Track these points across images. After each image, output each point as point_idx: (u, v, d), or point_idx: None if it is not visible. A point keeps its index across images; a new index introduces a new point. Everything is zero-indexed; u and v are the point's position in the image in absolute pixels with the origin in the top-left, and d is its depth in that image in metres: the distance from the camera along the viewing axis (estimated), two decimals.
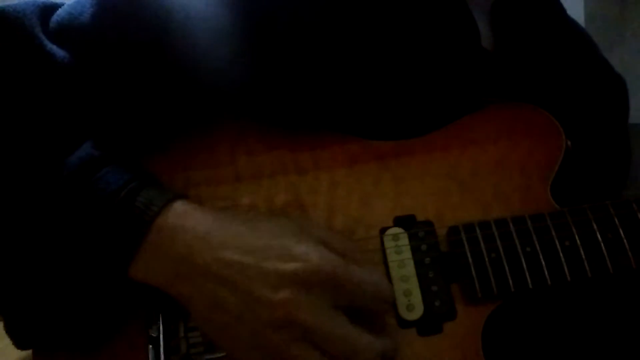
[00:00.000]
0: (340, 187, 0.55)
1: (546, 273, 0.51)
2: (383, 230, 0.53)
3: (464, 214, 0.54)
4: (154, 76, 0.52)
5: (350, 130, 0.56)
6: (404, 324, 0.51)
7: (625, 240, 0.53)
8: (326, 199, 0.54)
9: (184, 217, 0.47)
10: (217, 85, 0.53)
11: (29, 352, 0.53)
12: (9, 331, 0.51)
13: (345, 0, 0.56)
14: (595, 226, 0.53)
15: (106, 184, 0.47)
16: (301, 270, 0.44)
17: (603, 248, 0.52)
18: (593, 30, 1.91)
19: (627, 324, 0.61)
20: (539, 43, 0.64)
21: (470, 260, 0.52)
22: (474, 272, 0.51)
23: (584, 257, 0.52)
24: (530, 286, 0.51)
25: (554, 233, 0.52)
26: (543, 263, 0.52)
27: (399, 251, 0.52)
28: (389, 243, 0.53)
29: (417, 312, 0.51)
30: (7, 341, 0.52)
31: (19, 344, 0.52)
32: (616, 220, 0.53)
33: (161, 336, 0.50)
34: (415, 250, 0.52)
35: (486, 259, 0.52)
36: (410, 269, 0.52)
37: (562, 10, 0.68)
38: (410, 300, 0.51)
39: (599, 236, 0.52)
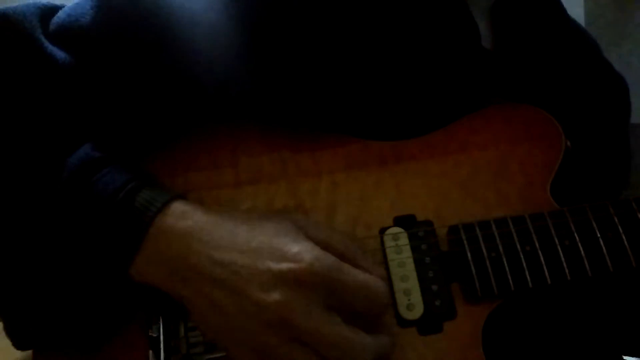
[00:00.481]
0: (341, 187, 0.55)
1: (546, 272, 0.52)
2: (383, 230, 0.54)
3: (463, 213, 0.55)
4: (154, 78, 0.53)
5: (350, 131, 0.56)
6: (404, 323, 0.51)
7: (625, 239, 0.53)
8: (326, 199, 0.55)
9: (183, 217, 0.48)
10: (217, 87, 0.54)
11: (29, 352, 0.53)
12: (9, 332, 0.52)
13: (345, 2, 0.56)
14: (595, 225, 0.53)
15: (106, 184, 0.48)
16: (293, 271, 0.44)
17: (603, 247, 0.53)
18: (593, 30, 1.91)
19: (627, 323, 0.61)
20: (540, 43, 0.65)
21: (470, 259, 0.52)
22: (474, 272, 0.52)
23: (584, 256, 0.53)
24: (530, 285, 0.52)
25: (553, 232, 0.53)
26: (543, 262, 0.52)
27: (399, 251, 0.53)
28: (388, 242, 0.53)
29: (418, 311, 0.51)
30: (7, 341, 0.52)
31: (18, 344, 0.52)
32: (616, 219, 0.54)
33: (161, 336, 0.50)
34: (415, 249, 0.53)
35: (486, 258, 0.52)
36: (410, 268, 0.52)
37: (562, 10, 0.69)
38: (411, 300, 0.52)
39: (598, 235, 0.53)
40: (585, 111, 0.65)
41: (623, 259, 0.53)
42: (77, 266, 0.49)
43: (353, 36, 0.56)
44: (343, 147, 0.56)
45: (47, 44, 0.52)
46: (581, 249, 0.53)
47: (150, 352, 0.50)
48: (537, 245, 0.53)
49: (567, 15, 0.71)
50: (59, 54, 0.52)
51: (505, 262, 0.52)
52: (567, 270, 0.52)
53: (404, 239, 0.53)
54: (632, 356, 0.59)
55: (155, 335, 0.51)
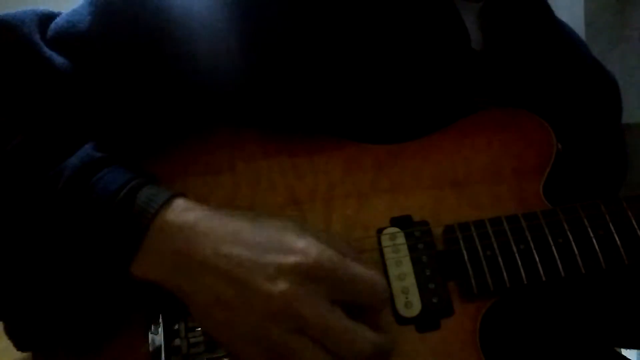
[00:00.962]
0: (337, 189, 0.57)
1: (540, 269, 0.54)
2: (380, 231, 0.56)
3: (458, 214, 0.57)
4: (152, 80, 0.54)
5: (346, 134, 0.58)
6: (402, 320, 0.53)
7: (616, 237, 0.55)
8: (324, 201, 0.57)
9: (185, 213, 0.49)
10: (215, 89, 0.55)
11: (29, 353, 0.55)
12: (9, 333, 0.53)
13: (337, 7, 0.58)
14: (587, 223, 0.55)
15: (107, 183, 0.49)
16: (300, 264, 0.46)
17: (595, 244, 0.55)
18: (593, 30, 1.93)
19: (620, 318, 0.63)
20: (529, 44, 0.67)
21: (466, 257, 0.54)
22: (470, 269, 0.54)
23: (576, 253, 0.54)
24: (525, 282, 0.54)
25: (546, 230, 0.55)
26: (537, 259, 0.54)
27: (396, 250, 0.55)
28: (386, 242, 0.55)
29: (415, 309, 0.53)
30: (7, 341, 0.54)
31: (19, 345, 0.53)
32: (607, 217, 0.56)
33: (162, 336, 0.52)
34: (412, 248, 0.55)
35: (482, 256, 0.54)
36: (407, 267, 0.54)
37: (550, 12, 0.71)
38: (408, 298, 0.53)
39: (590, 233, 0.55)
40: (576, 111, 0.67)
41: (615, 256, 0.54)
42: (79, 265, 0.50)
43: (346, 40, 0.58)
44: (340, 151, 0.58)
45: (45, 48, 0.53)
46: (574, 246, 0.54)
47: (151, 352, 0.51)
48: (531, 243, 0.55)
49: (555, 16, 0.73)
50: (58, 58, 0.53)
51: (500, 260, 0.54)
52: (560, 267, 0.54)
53: (400, 239, 0.55)
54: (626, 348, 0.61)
55: (155, 335, 0.52)
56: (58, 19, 0.56)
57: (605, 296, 0.62)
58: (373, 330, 0.47)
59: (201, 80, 0.55)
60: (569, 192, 0.59)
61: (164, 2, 0.55)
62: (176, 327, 0.52)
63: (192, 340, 0.51)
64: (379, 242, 0.55)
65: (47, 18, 0.57)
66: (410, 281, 0.54)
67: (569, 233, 0.55)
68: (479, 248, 0.54)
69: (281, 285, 0.45)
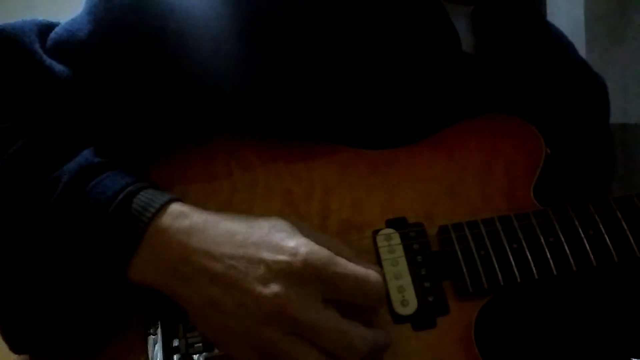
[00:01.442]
0: (334, 193, 0.59)
1: (533, 267, 0.56)
2: (376, 232, 0.58)
3: (452, 215, 0.59)
4: (152, 87, 0.56)
5: (340, 139, 0.60)
6: (398, 319, 0.55)
7: (606, 236, 0.57)
8: (320, 204, 0.59)
9: (181, 218, 0.50)
10: (214, 95, 0.57)
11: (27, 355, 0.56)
12: (5, 336, 0.54)
13: (330, 14, 0.60)
14: (577, 223, 0.57)
15: (104, 187, 0.50)
16: (290, 264, 0.46)
17: (586, 243, 0.57)
18: (593, 30, 1.94)
19: (611, 314, 0.64)
20: (520, 47, 0.69)
21: (460, 257, 0.56)
22: (464, 269, 0.56)
23: (568, 252, 0.56)
24: (519, 280, 0.55)
25: (538, 230, 0.57)
26: (530, 258, 0.56)
27: (392, 250, 0.57)
28: (381, 242, 0.57)
29: (411, 307, 0.55)
30: (3, 343, 0.55)
31: (14, 348, 0.54)
32: (596, 217, 0.58)
33: (160, 337, 0.53)
34: (407, 248, 0.57)
35: (476, 256, 0.56)
36: (403, 266, 0.56)
37: (540, 13, 0.73)
38: (404, 296, 0.55)
39: (581, 232, 0.57)
40: (565, 113, 0.69)
41: (605, 254, 0.56)
42: (77, 269, 0.51)
43: (340, 46, 0.60)
44: (335, 156, 0.60)
45: (45, 57, 0.55)
46: (565, 245, 0.56)
47: (149, 353, 0.52)
48: (523, 242, 0.57)
49: (544, 18, 0.75)
50: (58, 67, 0.54)
51: (494, 259, 0.56)
52: (552, 265, 0.56)
53: (396, 239, 0.57)
54: (618, 346, 0.62)
55: (154, 336, 0.53)
56: (57, 28, 0.58)
57: (598, 293, 0.64)
58: (368, 328, 0.48)
59: (200, 86, 0.56)
60: (559, 193, 0.61)
61: (163, 9, 0.56)
62: (174, 327, 0.53)
63: (190, 340, 0.52)
64: (375, 243, 0.57)
65: (46, 28, 0.58)
66: (406, 280, 0.56)
67: (559, 232, 0.57)
68: (473, 248, 0.56)
69: (273, 288, 0.46)
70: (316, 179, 0.59)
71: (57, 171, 0.51)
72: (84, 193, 0.50)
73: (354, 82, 0.60)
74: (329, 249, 0.49)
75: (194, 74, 0.56)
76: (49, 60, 0.55)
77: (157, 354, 0.52)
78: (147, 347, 0.53)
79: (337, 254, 0.49)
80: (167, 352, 0.52)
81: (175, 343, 0.53)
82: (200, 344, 0.52)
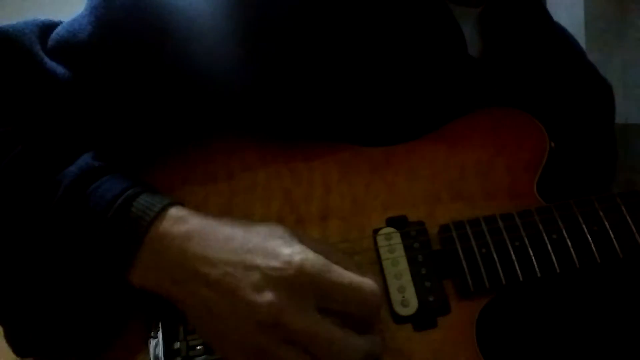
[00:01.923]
0: (334, 192, 0.58)
1: (535, 265, 0.55)
2: (376, 231, 0.57)
3: (454, 213, 0.58)
4: (153, 88, 0.55)
5: (342, 138, 0.59)
6: (399, 319, 0.54)
7: (610, 232, 0.56)
8: (320, 204, 0.58)
9: (180, 222, 0.50)
10: (215, 96, 0.56)
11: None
12: (9, 340, 0.54)
13: (335, 13, 0.60)
14: (581, 219, 0.57)
15: (104, 192, 0.50)
16: (284, 271, 0.46)
17: (590, 240, 0.56)
18: (593, 30, 1.94)
19: (615, 312, 0.63)
20: (526, 49, 0.69)
21: (461, 256, 0.55)
22: (465, 268, 0.55)
23: (571, 249, 0.56)
24: (521, 279, 0.55)
25: (541, 227, 0.56)
26: (532, 256, 0.55)
27: (392, 250, 0.56)
28: (381, 242, 0.56)
29: (412, 307, 0.54)
30: (4, 342, 0.55)
31: (18, 352, 0.54)
32: (601, 213, 0.57)
33: (161, 339, 0.53)
34: (407, 248, 0.56)
35: (477, 255, 0.55)
36: (403, 266, 0.55)
37: (548, 16, 0.72)
38: (405, 296, 0.54)
39: (585, 229, 0.56)
40: (571, 114, 0.69)
41: (610, 250, 0.56)
42: (77, 274, 0.51)
43: (345, 46, 0.59)
44: (335, 154, 0.59)
45: (46, 59, 0.55)
46: (569, 242, 0.56)
47: (151, 355, 0.52)
48: (525, 240, 0.56)
49: (553, 20, 0.74)
50: (58, 68, 0.54)
51: (495, 257, 0.55)
52: (556, 263, 0.55)
53: (396, 238, 0.56)
54: (621, 344, 0.62)
55: (155, 338, 0.53)
56: (59, 29, 0.57)
57: (602, 291, 0.63)
58: (363, 335, 0.48)
59: (201, 87, 0.56)
60: (562, 190, 0.60)
61: (164, 10, 0.55)
62: (175, 330, 0.53)
63: (191, 342, 0.52)
64: (375, 242, 0.56)
65: (47, 28, 0.58)
66: (407, 280, 0.55)
67: (563, 229, 0.56)
68: (475, 246, 0.55)
69: (267, 296, 0.46)
70: (316, 178, 0.59)
71: (57, 175, 0.51)
72: (84, 197, 0.50)
73: (357, 83, 0.59)
74: (325, 256, 0.49)
75: (194, 75, 0.56)
76: (49, 62, 0.54)
77: (158, 357, 0.52)
78: (148, 350, 0.52)
79: (334, 262, 0.49)
80: (168, 354, 0.52)
81: (177, 345, 0.52)
82: (202, 347, 0.52)
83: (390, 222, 0.57)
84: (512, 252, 0.55)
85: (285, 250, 0.48)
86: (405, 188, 0.59)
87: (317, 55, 0.58)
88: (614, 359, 0.62)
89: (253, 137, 0.59)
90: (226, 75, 0.56)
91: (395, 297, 0.54)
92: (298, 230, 0.52)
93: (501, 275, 0.54)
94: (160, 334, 0.53)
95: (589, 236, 0.56)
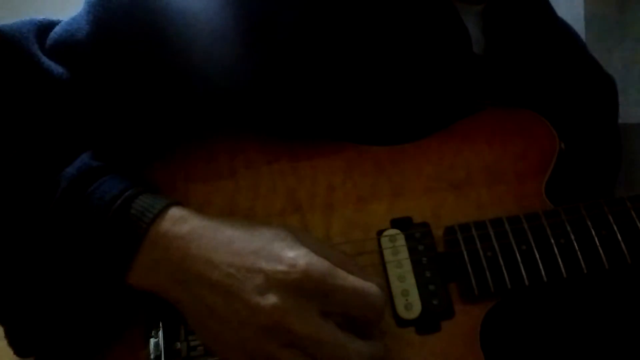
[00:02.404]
0: (338, 191, 0.57)
1: (542, 270, 0.54)
2: (380, 232, 0.56)
3: (459, 215, 0.57)
4: (152, 88, 0.55)
5: (346, 136, 0.58)
6: (402, 323, 0.53)
7: (619, 237, 0.55)
8: (324, 203, 0.57)
9: (180, 223, 0.49)
10: (216, 93, 0.56)
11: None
12: (10, 340, 0.53)
13: (338, 10, 0.59)
14: (589, 223, 0.55)
15: (103, 192, 0.49)
16: (288, 275, 0.46)
17: (598, 245, 0.55)
18: (593, 30, 1.93)
19: (622, 319, 0.63)
20: (530, 46, 0.68)
21: (466, 259, 0.54)
22: (470, 271, 0.54)
23: (579, 253, 0.55)
24: (527, 283, 0.53)
25: (548, 231, 0.55)
26: (539, 260, 0.54)
27: (396, 252, 0.55)
28: (386, 244, 0.55)
29: (415, 311, 0.53)
30: (5, 342, 0.54)
31: (19, 352, 0.53)
32: (610, 217, 0.56)
33: (161, 340, 0.52)
34: (412, 250, 0.55)
35: (482, 258, 0.54)
36: (407, 269, 0.54)
37: (552, 12, 0.71)
38: (408, 300, 0.53)
39: (593, 233, 0.55)
40: (575, 112, 0.68)
41: (618, 255, 0.55)
42: (77, 274, 0.50)
43: (348, 44, 0.58)
44: (340, 153, 0.58)
45: (44, 59, 0.54)
46: (576, 247, 0.55)
47: (151, 356, 0.51)
48: (532, 244, 0.55)
49: (557, 16, 0.73)
50: (56, 68, 0.53)
51: (501, 261, 0.54)
52: (562, 268, 0.54)
53: (400, 241, 0.55)
54: (628, 351, 0.61)
55: (155, 339, 0.52)
56: (57, 28, 0.57)
57: (609, 297, 0.62)
58: (366, 341, 0.47)
59: (200, 86, 0.55)
60: (567, 190, 0.59)
61: (162, 9, 0.55)
62: (176, 330, 0.52)
63: (192, 343, 0.52)
64: (379, 244, 0.55)
65: (45, 27, 0.57)
66: (411, 283, 0.54)
67: (571, 233, 0.55)
68: (480, 249, 0.54)
69: (271, 299, 0.45)
70: (320, 177, 0.58)
71: (56, 176, 0.50)
72: (83, 198, 0.49)
73: (361, 81, 0.58)
74: (329, 260, 0.48)
75: (193, 74, 0.55)
76: (47, 62, 0.54)
77: (159, 357, 0.51)
78: (148, 350, 0.52)
79: (339, 265, 0.48)
80: (169, 355, 0.51)
81: (177, 346, 0.52)
82: (202, 347, 0.51)
83: (395, 223, 0.56)
84: (518, 256, 0.54)
85: (289, 253, 0.47)
86: (410, 188, 0.57)
87: (320, 53, 0.57)
88: None
89: (256, 136, 0.58)
90: (225, 74, 0.55)
91: (399, 300, 0.53)
92: (301, 233, 0.51)
93: (507, 279, 0.53)
94: (161, 334, 0.52)
95: (597, 241, 0.54)
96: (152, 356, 0.51)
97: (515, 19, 0.67)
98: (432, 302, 0.53)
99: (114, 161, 0.53)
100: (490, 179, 0.58)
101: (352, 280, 0.47)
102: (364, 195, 0.57)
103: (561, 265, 0.54)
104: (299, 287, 0.45)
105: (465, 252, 0.54)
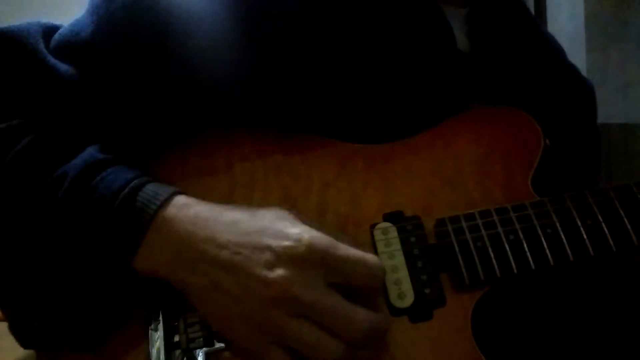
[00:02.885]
0: (331, 188, 0.59)
1: (530, 258, 0.55)
2: (373, 226, 0.58)
3: (450, 208, 0.59)
4: (155, 84, 0.57)
5: (337, 134, 0.60)
6: (395, 311, 0.55)
7: (604, 226, 0.56)
8: (318, 199, 0.59)
9: (186, 208, 0.52)
10: (216, 90, 0.58)
11: (27, 351, 0.57)
12: (14, 331, 0.55)
13: (328, 9, 0.61)
14: (574, 213, 0.57)
15: (109, 182, 0.52)
16: (295, 248, 0.48)
17: (583, 233, 0.56)
18: (593, 30, 1.94)
19: (609, 306, 0.64)
20: (513, 50, 0.71)
21: (457, 249, 0.56)
22: (461, 261, 0.56)
23: (565, 242, 0.56)
24: (515, 271, 0.55)
25: (535, 221, 0.57)
26: (526, 249, 0.56)
27: (389, 244, 0.57)
28: (378, 236, 0.57)
29: (408, 299, 0.55)
30: (6, 342, 0.56)
31: (23, 342, 0.55)
32: (594, 207, 0.57)
33: (162, 332, 0.53)
34: (404, 242, 0.57)
35: (472, 248, 0.56)
36: (399, 259, 0.56)
37: (532, 18, 0.74)
38: (401, 289, 0.55)
39: (578, 222, 0.57)
40: (556, 112, 0.70)
41: (603, 244, 0.56)
42: (83, 264, 0.52)
43: (338, 43, 0.60)
44: (333, 151, 0.61)
45: (50, 57, 0.56)
46: (562, 235, 0.56)
47: (151, 348, 0.53)
48: (520, 233, 0.56)
49: (536, 22, 0.77)
50: (62, 66, 0.56)
51: (490, 251, 0.56)
52: (549, 256, 0.55)
53: (393, 233, 0.57)
54: (615, 338, 0.62)
55: (156, 331, 0.54)
56: (61, 30, 0.59)
57: (595, 284, 0.63)
58: (371, 311, 0.49)
59: (202, 81, 0.57)
60: (553, 185, 0.61)
61: (164, 9, 0.57)
62: (175, 323, 0.54)
63: (191, 335, 0.53)
64: (372, 237, 0.57)
65: (50, 30, 0.59)
66: (403, 273, 0.55)
67: (557, 223, 0.56)
68: (470, 240, 0.56)
69: (278, 271, 0.47)
70: (314, 174, 0.60)
71: (63, 167, 0.52)
72: (90, 188, 0.51)
73: (351, 79, 0.60)
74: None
75: (195, 72, 0.57)
76: (53, 60, 0.56)
77: (158, 349, 0.53)
78: (148, 342, 0.53)
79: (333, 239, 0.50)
80: (169, 347, 0.53)
81: (176, 338, 0.53)
82: (201, 339, 0.53)
83: (387, 217, 0.58)
84: (506, 246, 0.56)
85: (293, 229, 0.49)
86: (402, 184, 0.60)
87: (312, 52, 0.59)
88: (607, 351, 0.63)
89: (252, 133, 0.60)
90: (226, 72, 0.57)
91: (392, 289, 0.55)
92: (295, 212, 0.53)
93: (496, 268, 0.55)
94: (160, 326, 0.53)
95: (582, 230, 0.56)
96: (151, 348, 0.53)
97: (499, 23, 0.70)
98: (424, 291, 0.55)
99: (119, 155, 0.54)
100: (478, 173, 0.60)
101: (354, 251, 0.50)
102: (356, 191, 0.59)
103: (548, 254, 0.55)
104: (305, 260, 0.48)
105: (455, 243, 0.56)
